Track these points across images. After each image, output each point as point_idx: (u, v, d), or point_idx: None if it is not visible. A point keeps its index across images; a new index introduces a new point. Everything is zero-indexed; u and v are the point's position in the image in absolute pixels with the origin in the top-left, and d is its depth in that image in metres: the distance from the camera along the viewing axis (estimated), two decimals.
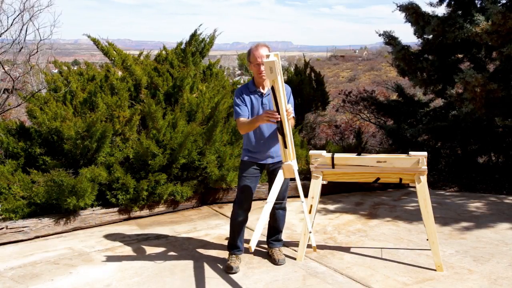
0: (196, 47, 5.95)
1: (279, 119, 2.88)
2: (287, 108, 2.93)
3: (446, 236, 3.96)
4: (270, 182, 3.41)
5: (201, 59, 6.00)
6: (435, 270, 3.23)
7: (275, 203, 3.45)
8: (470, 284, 3.03)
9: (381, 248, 3.69)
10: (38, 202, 4.11)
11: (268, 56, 2.81)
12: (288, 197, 5.09)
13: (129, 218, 4.52)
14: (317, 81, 7.44)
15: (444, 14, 6.72)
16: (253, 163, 3.28)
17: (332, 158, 3.35)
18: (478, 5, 6.52)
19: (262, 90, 3.22)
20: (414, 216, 4.51)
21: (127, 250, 3.68)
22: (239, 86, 5.37)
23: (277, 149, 3.26)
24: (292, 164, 2.98)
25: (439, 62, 6.82)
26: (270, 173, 3.38)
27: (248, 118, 3.19)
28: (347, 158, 3.36)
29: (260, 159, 3.28)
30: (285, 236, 3.82)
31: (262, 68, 3.06)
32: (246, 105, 3.21)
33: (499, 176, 6.56)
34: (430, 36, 6.79)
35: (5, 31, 5.22)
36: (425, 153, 3.21)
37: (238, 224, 3.32)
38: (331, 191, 5.40)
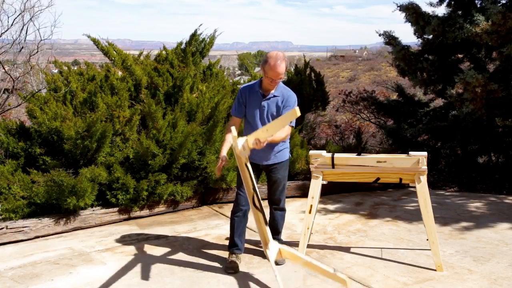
0: (196, 47, 5.95)
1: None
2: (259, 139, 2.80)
3: (446, 236, 3.96)
4: (268, 182, 3.41)
5: (201, 59, 6.00)
6: (435, 270, 3.23)
7: (273, 205, 3.45)
8: (470, 284, 3.03)
9: (381, 248, 3.69)
10: (38, 202, 4.11)
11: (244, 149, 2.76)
12: (288, 197, 5.13)
13: (129, 218, 4.52)
14: (317, 81, 7.44)
15: (444, 14, 6.73)
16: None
17: (332, 158, 3.35)
18: (478, 5, 6.52)
19: (265, 93, 3.24)
20: (414, 216, 4.51)
21: (127, 250, 3.68)
22: (239, 86, 5.39)
23: (271, 151, 3.26)
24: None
25: (439, 62, 6.82)
26: (267, 175, 3.39)
27: (242, 117, 3.31)
28: (347, 158, 3.36)
29: (254, 159, 3.28)
30: (285, 236, 3.82)
31: (276, 81, 3.14)
32: (244, 106, 3.26)
33: (499, 176, 6.57)
34: (430, 36, 6.80)
35: (6, 31, 5.22)
36: (425, 153, 3.21)
37: (237, 221, 3.33)
38: (331, 191, 5.40)
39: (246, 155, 2.80)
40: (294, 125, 3.28)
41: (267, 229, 2.88)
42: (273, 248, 2.88)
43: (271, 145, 3.24)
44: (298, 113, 2.42)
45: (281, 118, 2.60)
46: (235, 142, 2.70)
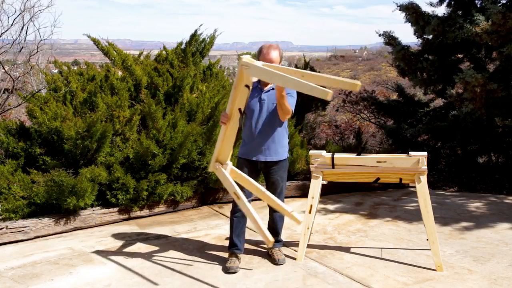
0: (196, 47, 5.94)
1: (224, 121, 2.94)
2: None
3: (446, 236, 3.96)
4: (267, 183, 3.40)
5: (201, 59, 6.00)
6: (435, 270, 3.23)
7: (271, 207, 3.44)
8: (470, 284, 3.03)
9: (381, 248, 3.69)
10: (38, 202, 4.11)
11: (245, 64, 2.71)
12: (288, 197, 5.14)
13: (129, 218, 4.52)
14: None
15: (444, 14, 6.73)
16: (244, 159, 3.30)
17: (332, 158, 3.35)
18: (478, 5, 6.52)
19: (263, 87, 3.28)
20: (414, 216, 4.51)
21: (127, 250, 3.68)
22: None
23: (269, 147, 3.27)
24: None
25: (439, 62, 6.82)
26: (265, 176, 3.39)
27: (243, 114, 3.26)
28: (347, 158, 3.36)
29: (250, 156, 3.29)
30: (285, 236, 3.82)
31: None
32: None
33: (499, 176, 6.57)
34: (430, 36, 6.80)
35: (6, 31, 5.22)
36: (425, 153, 3.21)
37: (236, 221, 3.33)
38: (331, 191, 5.40)
39: (255, 75, 2.74)
40: (293, 112, 3.26)
41: (230, 149, 2.98)
42: (229, 167, 3.02)
43: (269, 137, 3.24)
44: (359, 86, 2.39)
45: (336, 79, 2.51)
46: (247, 58, 2.70)
